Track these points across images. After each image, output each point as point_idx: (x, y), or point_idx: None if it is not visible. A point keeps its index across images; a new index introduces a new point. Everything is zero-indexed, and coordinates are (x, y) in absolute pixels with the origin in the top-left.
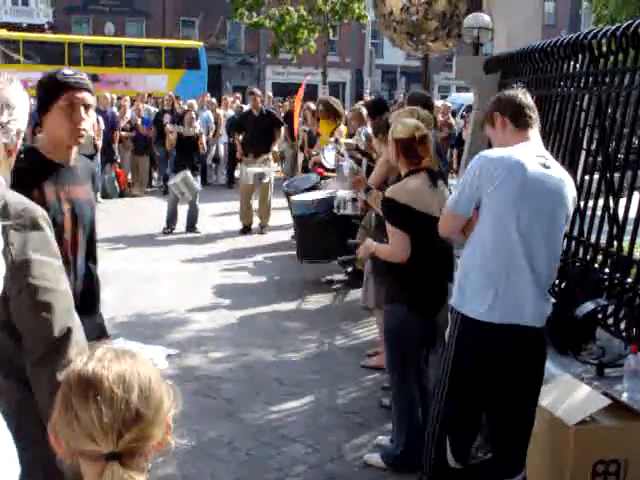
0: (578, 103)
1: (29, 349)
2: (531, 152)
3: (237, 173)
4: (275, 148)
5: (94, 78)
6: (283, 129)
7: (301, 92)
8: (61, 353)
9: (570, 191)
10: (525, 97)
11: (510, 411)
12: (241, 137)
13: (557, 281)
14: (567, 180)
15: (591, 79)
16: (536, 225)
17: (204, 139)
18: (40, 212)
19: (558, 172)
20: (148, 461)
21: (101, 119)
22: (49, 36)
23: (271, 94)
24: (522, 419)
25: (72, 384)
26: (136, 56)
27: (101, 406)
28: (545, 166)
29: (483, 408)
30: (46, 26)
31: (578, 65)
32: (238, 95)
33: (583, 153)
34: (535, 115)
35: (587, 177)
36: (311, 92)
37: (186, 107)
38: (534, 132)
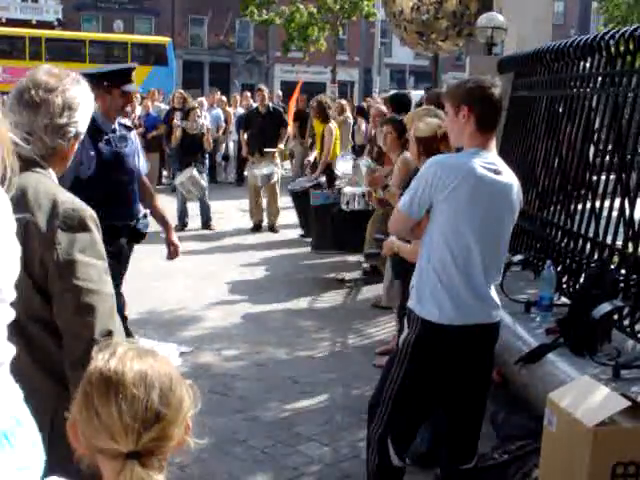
0: (594, 103)
1: (68, 349)
2: (482, 159)
3: (246, 172)
4: (281, 146)
5: None
6: (290, 128)
7: (296, 94)
8: None
9: (517, 195)
10: (498, 95)
11: (465, 403)
12: (245, 135)
13: (572, 282)
14: (515, 185)
15: (607, 79)
16: (487, 228)
17: (210, 136)
18: (89, 212)
19: (507, 177)
20: (167, 460)
21: None
22: (6, 30)
23: (280, 93)
24: (477, 408)
25: (93, 382)
26: (101, 52)
27: (122, 405)
28: (496, 172)
29: (432, 408)
30: (55, 23)
31: (594, 65)
32: (248, 93)
33: (597, 153)
34: (500, 116)
35: (602, 177)
36: (319, 90)
37: (197, 104)
38: (493, 135)
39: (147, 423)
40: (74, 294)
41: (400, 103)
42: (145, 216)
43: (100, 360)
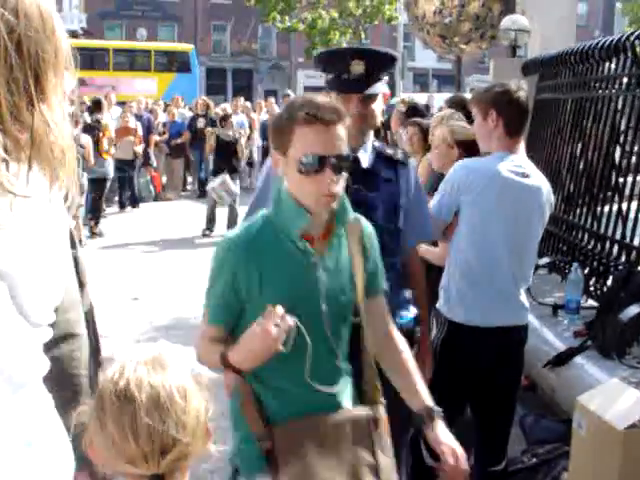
0: (620, 105)
1: None
2: (510, 162)
3: None
4: None
5: (81, 82)
6: None
7: None
8: None
9: (547, 198)
10: (525, 99)
11: (495, 406)
12: None
13: (600, 285)
14: (545, 187)
15: (633, 80)
16: (514, 231)
17: (243, 142)
18: None
19: (536, 180)
20: (187, 470)
21: (139, 124)
22: None
23: None
24: (506, 411)
25: (105, 405)
26: (125, 60)
27: (138, 434)
28: (524, 175)
29: (461, 409)
30: (80, 32)
31: (620, 67)
32: (272, 99)
33: (624, 155)
34: (527, 120)
35: (629, 179)
36: None
37: (220, 111)
38: (521, 138)
39: (165, 447)
40: None
41: (416, 110)
42: None
43: (109, 380)
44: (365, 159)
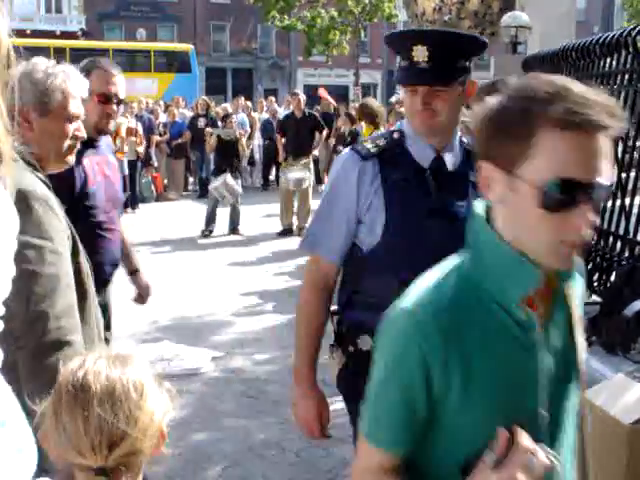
0: (622, 100)
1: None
2: None
3: (271, 177)
4: (315, 152)
5: None
6: (325, 132)
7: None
8: (33, 338)
9: None
10: None
11: None
12: (284, 140)
13: (603, 280)
14: None
15: (635, 76)
16: None
17: (244, 142)
18: (33, 192)
19: None
20: (140, 470)
21: (139, 124)
22: (34, 41)
23: (304, 97)
24: None
25: (61, 394)
26: (124, 60)
27: (88, 423)
28: None
29: None
30: (79, 33)
31: (620, 62)
32: (273, 98)
33: (626, 150)
34: None
35: (632, 174)
36: (342, 94)
37: (220, 110)
38: None
39: (114, 441)
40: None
41: None
42: None
43: (68, 371)
44: (450, 160)
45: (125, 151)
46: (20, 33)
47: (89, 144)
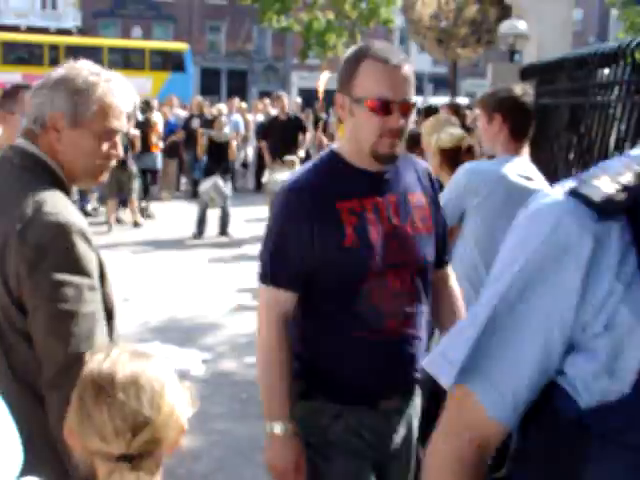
0: (619, 111)
1: (42, 369)
2: (515, 165)
3: (264, 179)
4: (301, 153)
5: None
6: (309, 135)
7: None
8: (70, 380)
9: None
10: (530, 103)
11: None
12: (265, 143)
13: None
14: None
15: (632, 87)
16: None
17: (234, 144)
18: (73, 226)
19: (539, 184)
20: (160, 464)
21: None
22: (29, 37)
23: (299, 100)
24: None
25: (86, 383)
26: (119, 58)
27: (112, 409)
28: (528, 178)
29: None
30: (74, 30)
31: (617, 73)
32: (267, 100)
33: None
34: (532, 124)
35: None
36: None
37: (215, 111)
38: (525, 142)
39: (137, 426)
40: (45, 314)
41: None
42: None
43: (95, 362)
44: None
45: (159, 146)
46: (14, 29)
47: None
